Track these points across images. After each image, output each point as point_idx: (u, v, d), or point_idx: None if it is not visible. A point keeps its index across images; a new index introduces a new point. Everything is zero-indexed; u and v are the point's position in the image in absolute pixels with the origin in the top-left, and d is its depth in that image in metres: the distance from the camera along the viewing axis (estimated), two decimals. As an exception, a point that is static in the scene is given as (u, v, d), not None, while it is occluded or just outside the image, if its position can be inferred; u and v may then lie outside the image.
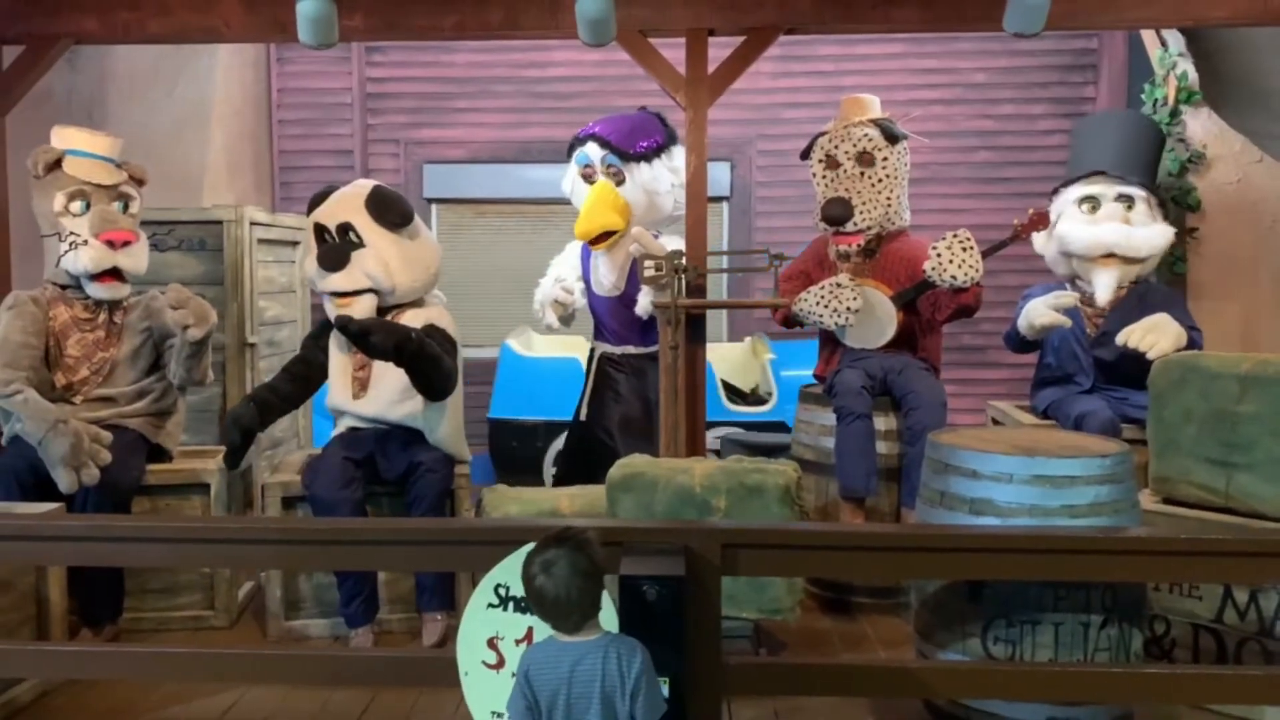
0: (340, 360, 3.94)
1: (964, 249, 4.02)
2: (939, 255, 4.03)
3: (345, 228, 3.91)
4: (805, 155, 4.52)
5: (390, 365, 3.66)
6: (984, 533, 2.72)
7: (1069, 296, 4.24)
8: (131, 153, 4.15)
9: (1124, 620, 2.81)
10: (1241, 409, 3.19)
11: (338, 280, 3.85)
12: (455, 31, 4.33)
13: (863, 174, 4.30)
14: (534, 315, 4.97)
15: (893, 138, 4.31)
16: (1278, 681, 2.68)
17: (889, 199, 4.29)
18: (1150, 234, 4.30)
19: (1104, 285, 4.28)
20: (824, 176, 4.39)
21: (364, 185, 4.05)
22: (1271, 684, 2.67)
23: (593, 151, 4.59)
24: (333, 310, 3.89)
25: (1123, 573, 2.67)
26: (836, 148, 4.35)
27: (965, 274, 4.00)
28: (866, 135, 4.31)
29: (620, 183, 4.55)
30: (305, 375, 3.98)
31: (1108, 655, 2.78)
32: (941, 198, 6.67)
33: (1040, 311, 4.18)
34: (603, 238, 4.55)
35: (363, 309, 3.82)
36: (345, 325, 3.55)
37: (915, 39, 6.75)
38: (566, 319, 4.86)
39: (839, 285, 4.17)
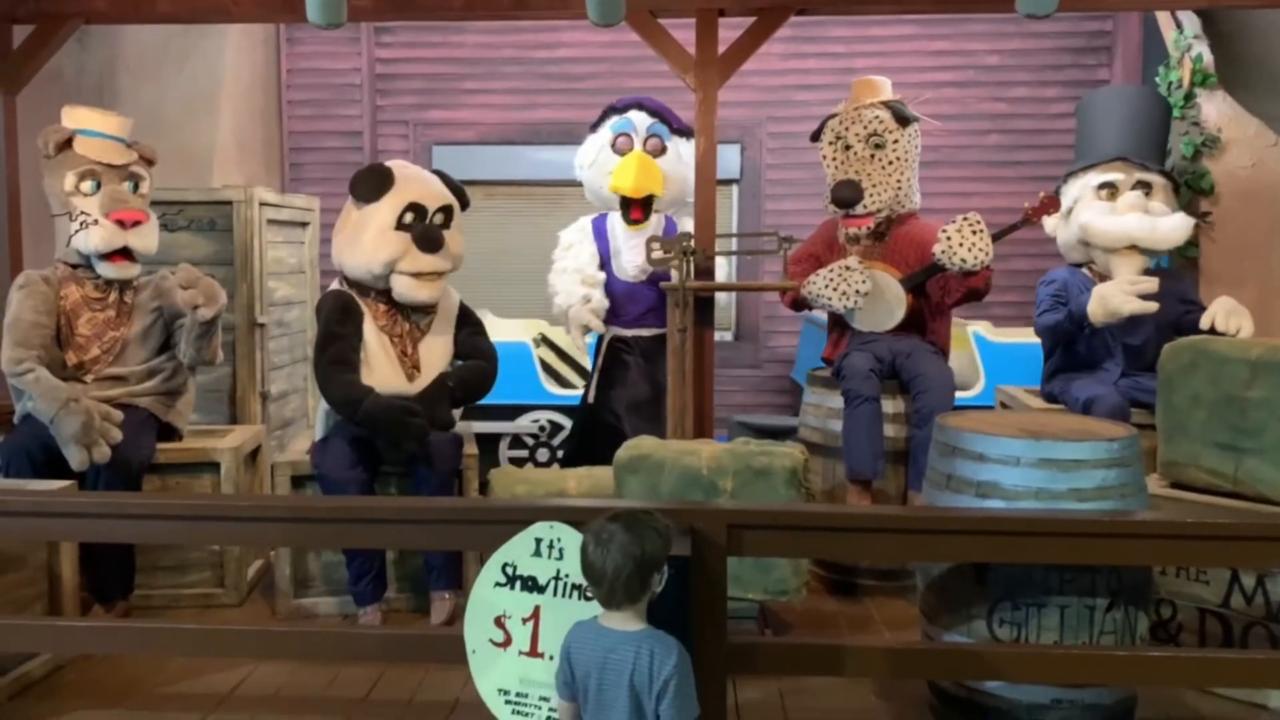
0: (381, 343, 3.85)
1: (974, 232, 4.00)
2: (949, 238, 4.01)
3: (444, 210, 3.95)
4: (815, 137, 4.50)
5: (434, 346, 3.93)
6: (990, 515, 2.71)
7: (1149, 282, 4.03)
8: (141, 133, 4.15)
9: (1129, 604, 2.80)
10: (1251, 394, 3.18)
11: (437, 261, 3.86)
12: (464, 11, 4.33)
13: (873, 156, 4.27)
14: (556, 313, 4.80)
15: (904, 120, 4.28)
16: (1283, 666, 2.68)
17: (899, 182, 4.27)
18: (1173, 224, 4.18)
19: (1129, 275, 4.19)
20: (834, 159, 4.37)
21: (419, 169, 4.09)
22: (1276, 667, 2.67)
23: (638, 119, 4.62)
24: (411, 291, 3.81)
25: (1129, 556, 2.67)
26: (847, 130, 4.32)
27: (975, 257, 3.98)
28: (877, 117, 4.28)
29: (659, 154, 4.58)
30: (357, 363, 3.80)
31: (1113, 638, 2.77)
32: (953, 181, 6.63)
33: (1124, 299, 3.96)
34: (641, 214, 4.58)
35: (438, 289, 3.91)
36: (421, 436, 3.63)
37: (927, 21, 6.70)
38: None
39: (848, 268, 4.16)
